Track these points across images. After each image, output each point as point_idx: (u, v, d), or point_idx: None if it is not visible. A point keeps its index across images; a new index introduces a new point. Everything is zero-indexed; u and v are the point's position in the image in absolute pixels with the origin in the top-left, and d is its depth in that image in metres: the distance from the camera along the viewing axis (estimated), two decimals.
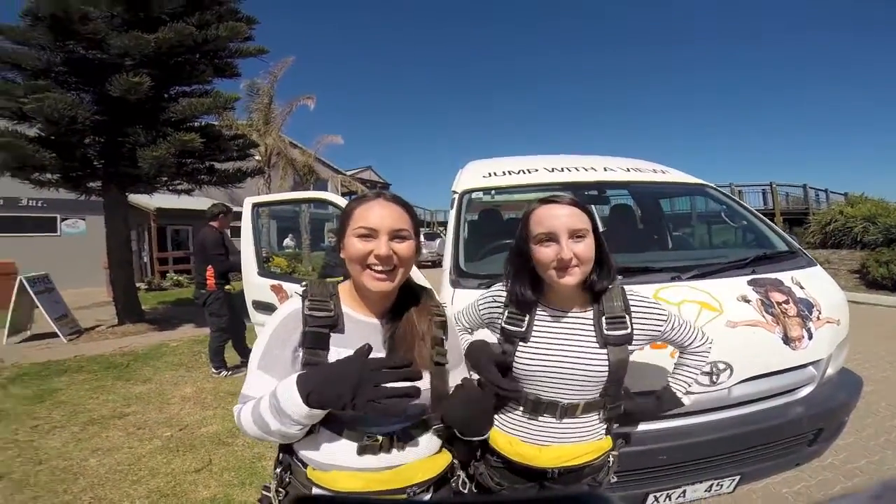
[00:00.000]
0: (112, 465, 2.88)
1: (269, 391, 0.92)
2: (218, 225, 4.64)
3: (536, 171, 2.61)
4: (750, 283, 1.88)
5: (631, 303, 1.20)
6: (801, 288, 1.92)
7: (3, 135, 6.01)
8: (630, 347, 1.19)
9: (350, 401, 0.84)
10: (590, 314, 1.19)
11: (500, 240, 2.45)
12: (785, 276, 1.96)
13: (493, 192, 2.60)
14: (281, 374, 0.96)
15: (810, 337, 1.79)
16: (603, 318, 1.17)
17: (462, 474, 1.16)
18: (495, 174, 2.61)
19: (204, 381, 4.53)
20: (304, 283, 1.06)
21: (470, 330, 1.37)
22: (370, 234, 0.96)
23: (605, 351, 1.16)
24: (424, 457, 1.02)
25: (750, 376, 1.72)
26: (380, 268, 0.96)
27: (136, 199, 10.43)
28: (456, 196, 2.47)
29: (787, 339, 1.75)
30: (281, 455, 1.05)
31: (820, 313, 1.87)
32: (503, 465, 1.26)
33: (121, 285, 7.40)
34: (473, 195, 2.54)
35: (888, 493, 0.36)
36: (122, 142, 6.56)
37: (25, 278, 6.53)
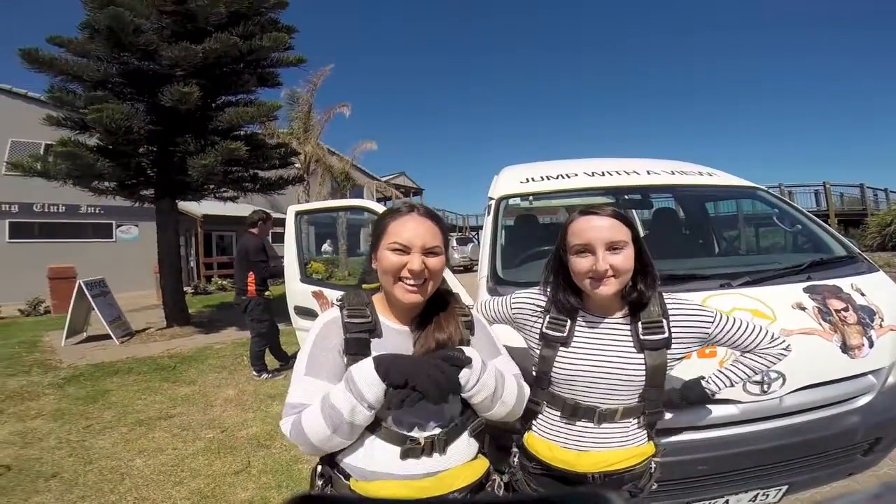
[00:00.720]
0: (157, 465, 2.98)
1: (340, 385, 0.95)
2: (258, 231, 4.75)
3: (576, 175, 2.56)
4: (806, 290, 1.80)
5: (669, 307, 1.19)
6: (862, 295, 1.83)
7: (65, 144, 6.38)
8: (671, 352, 1.17)
9: (413, 381, 0.91)
10: (627, 320, 1.19)
11: (537, 246, 2.43)
12: (844, 283, 1.86)
13: (530, 198, 2.57)
14: (329, 376, 0.99)
15: (871, 345, 1.70)
16: (640, 324, 1.17)
17: (497, 479, 1.17)
18: (532, 179, 2.59)
19: (245, 384, 4.64)
20: (341, 295, 1.11)
21: (492, 321, 1.35)
22: (404, 248, 0.99)
23: (641, 356, 1.16)
24: (463, 462, 1.04)
25: (804, 385, 1.65)
26: (412, 281, 0.99)
27: (185, 206, 10.90)
28: (493, 202, 2.45)
29: (845, 348, 1.67)
30: (321, 467, 1.07)
31: (882, 321, 1.77)
32: (542, 472, 1.26)
33: (169, 289, 7.72)
34: (511, 201, 2.52)
35: (888, 493, 0.36)
36: (172, 151, 6.88)
37: (84, 282, 6.90)
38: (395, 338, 1.05)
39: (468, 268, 16.39)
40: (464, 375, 0.97)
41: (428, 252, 1.00)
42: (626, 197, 2.67)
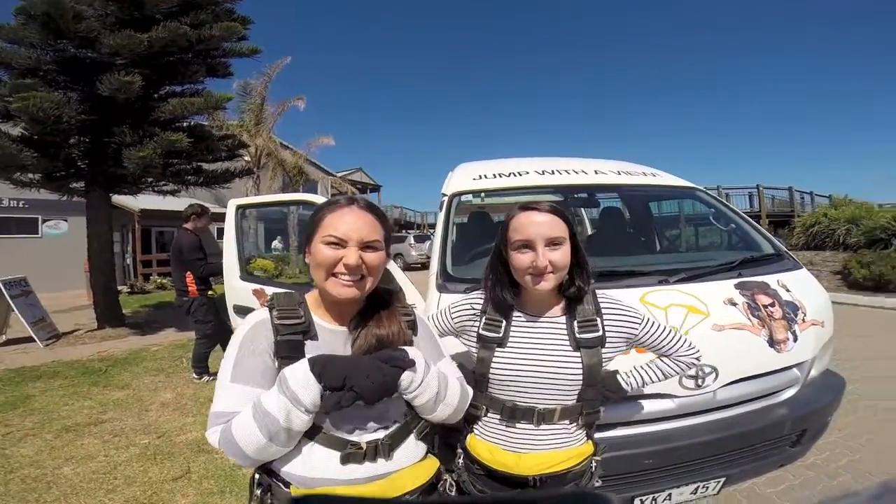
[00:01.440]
0: (87, 473, 2.81)
1: (273, 390, 0.89)
2: (192, 227, 4.46)
3: (527, 173, 2.60)
4: (737, 286, 1.89)
5: (602, 306, 1.21)
6: (787, 290, 1.94)
7: None
8: (604, 351, 1.19)
9: (350, 382, 0.87)
10: (563, 318, 1.21)
11: (489, 243, 2.42)
12: (771, 279, 1.97)
13: (482, 194, 2.58)
14: (259, 382, 0.93)
15: (795, 339, 1.80)
16: (575, 322, 1.18)
17: (449, 479, 1.15)
18: (485, 176, 2.60)
19: (184, 387, 4.44)
20: (270, 296, 1.04)
21: (441, 335, 1.33)
22: (339, 242, 0.94)
23: (578, 354, 1.17)
24: (412, 464, 1.01)
25: (735, 379, 1.73)
26: (347, 277, 0.94)
27: (120, 200, 10.26)
28: (445, 198, 2.44)
29: (772, 342, 1.76)
30: (259, 476, 1.00)
31: (805, 316, 1.88)
32: (484, 474, 1.26)
33: (101, 288, 7.25)
34: (463, 198, 2.52)
35: (888, 493, 0.36)
36: (107, 142, 6.45)
37: (2, 281, 6.38)
38: (332, 339, 0.99)
39: (426, 265, 16.33)
40: (406, 377, 0.94)
41: (366, 246, 0.95)
42: (575, 195, 2.73)
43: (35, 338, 6.37)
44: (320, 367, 0.87)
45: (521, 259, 1.13)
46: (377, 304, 1.05)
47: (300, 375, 0.87)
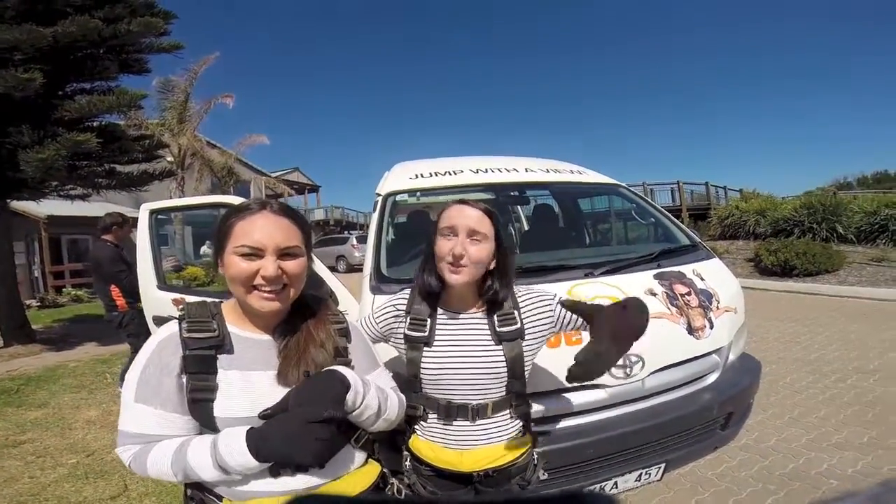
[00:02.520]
0: (13, 495, 2.64)
1: (201, 444, 0.86)
2: (113, 237, 4.16)
3: (462, 172, 2.61)
4: (656, 276, 1.98)
5: (519, 299, 1.25)
6: (702, 279, 2.06)
7: None
8: (526, 343, 1.21)
9: (292, 459, 0.84)
10: (483, 313, 1.24)
11: (425, 242, 2.41)
12: (687, 269, 2.08)
13: (417, 193, 2.56)
14: (166, 404, 0.87)
15: (711, 326, 1.91)
16: (495, 316, 1.21)
17: (396, 482, 1.13)
18: (421, 175, 2.58)
19: (110, 404, 4.13)
20: (181, 307, 0.97)
21: (373, 341, 1.31)
22: (255, 252, 0.88)
23: (500, 347, 1.20)
24: (349, 472, 0.97)
25: (661, 367, 1.81)
26: (268, 288, 0.89)
27: (23, 205, 9.28)
28: (379, 198, 2.40)
29: (691, 330, 1.86)
30: (189, 491, 0.94)
31: (719, 303, 2.00)
32: (432, 473, 1.27)
33: (4, 302, 6.61)
34: (398, 197, 2.49)
35: (888, 493, 0.36)
36: (1, 143, 5.81)
37: None
38: (254, 349, 0.93)
39: None
40: (349, 400, 0.90)
41: (284, 254, 0.89)
42: (508, 193, 2.77)
43: None
44: (255, 445, 0.83)
45: (443, 245, 1.16)
46: (304, 311, 1.00)
47: (237, 452, 0.83)
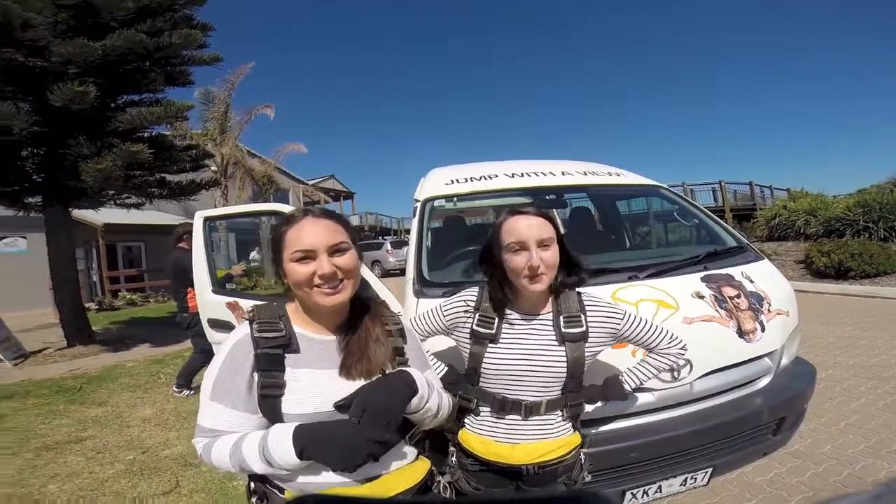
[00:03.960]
0: (74, 490, 2.76)
1: (254, 438, 0.92)
2: (187, 245, 4.45)
3: (497, 176, 2.62)
4: (703, 279, 1.94)
5: (585, 303, 1.28)
6: (751, 282, 2.00)
7: None
8: (587, 345, 1.25)
9: (341, 466, 0.90)
10: (549, 315, 1.27)
11: (463, 247, 2.44)
12: (735, 271, 2.03)
13: (455, 199, 2.59)
14: (237, 403, 0.95)
15: (763, 329, 1.85)
16: (561, 318, 1.24)
17: (442, 480, 1.18)
18: (457, 181, 2.61)
19: (164, 402, 4.35)
20: (250, 308, 1.03)
21: (427, 335, 1.38)
22: (308, 255, 0.94)
23: (563, 348, 1.23)
24: (402, 466, 1.02)
25: (710, 370, 1.77)
26: (327, 286, 0.95)
27: (82, 214, 9.89)
28: (418, 204, 2.45)
29: (741, 333, 1.81)
30: (253, 484, 1.01)
31: (770, 305, 1.94)
32: (479, 468, 1.30)
33: (67, 306, 7.00)
34: (436, 203, 2.53)
35: (888, 493, 0.36)
36: (63, 154, 6.21)
37: None
38: (318, 348, 0.99)
39: (404, 271, 16.23)
40: (414, 404, 0.97)
41: (334, 251, 0.95)
42: (544, 197, 2.76)
43: (2, 357, 6.15)
44: (301, 444, 0.88)
45: (516, 261, 1.19)
46: (363, 313, 1.06)
47: (282, 450, 0.88)
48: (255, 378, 0.95)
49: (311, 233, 0.95)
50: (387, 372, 0.99)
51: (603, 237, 3.05)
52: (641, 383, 1.42)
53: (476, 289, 1.33)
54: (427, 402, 1.00)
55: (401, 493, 0.98)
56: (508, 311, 1.27)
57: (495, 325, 1.25)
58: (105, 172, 5.81)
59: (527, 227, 1.18)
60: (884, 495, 0.32)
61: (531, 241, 1.17)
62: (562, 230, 1.26)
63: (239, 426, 0.95)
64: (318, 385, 0.95)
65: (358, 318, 1.04)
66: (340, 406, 0.92)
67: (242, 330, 0.99)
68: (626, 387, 1.41)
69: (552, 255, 1.19)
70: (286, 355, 0.96)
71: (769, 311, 1.93)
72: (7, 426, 3.88)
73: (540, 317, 1.26)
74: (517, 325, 1.26)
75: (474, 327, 1.27)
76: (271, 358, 0.95)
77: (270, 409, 0.94)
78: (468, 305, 1.31)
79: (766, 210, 13.68)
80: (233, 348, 0.97)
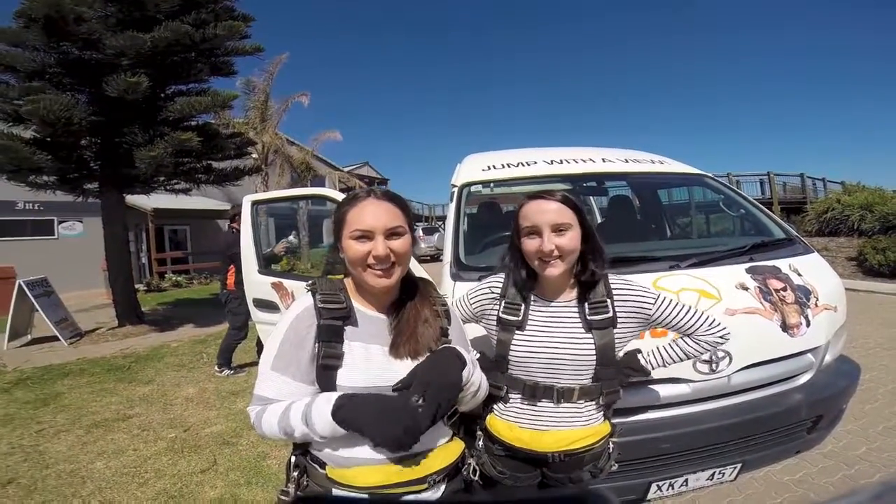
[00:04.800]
0: (118, 467, 2.90)
1: (304, 401, 0.96)
2: (238, 226, 4.65)
3: (535, 163, 2.61)
4: (748, 270, 1.89)
5: (613, 287, 1.25)
6: (799, 275, 1.93)
7: None
8: (617, 331, 1.22)
9: (366, 431, 0.91)
10: (575, 302, 1.25)
11: (499, 232, 2.46)
12: (782, 264, 1.97)
13: (491, 184, 2.60)
14: (296, 374, 0.99)
15: (808, 324, 1.80)
16: (586, 304, 1.22)
17: (472, 462, 1.20)
18: (494, 167, 2.61)
19: (206, 382, 4.54)
20: (310, 281, 1.08)
21: (464, 321, 1.38)
22: (366, 235, 0.97)
23: (590, 335, 1.21)
24: (439, 445, 1.05)
25: (749, 364, 1.73)
26: (379, 267, 0.98)
27: (134, 199, 10.39)
28: (455, 189, 2.46)
29: (785, 327, 1.76)
30: (295, 458, 1.05)
31: (817, 300, 1.88)
32: (505, 454, 1.30)
33: (120, 287, 7.39)
34: (472, 188, 2.54)
35: (888, 493, 0.36)
36: (118, 142, 6.54)
37: (24, 282, 6.51)
38: (371, 325, 1.03)
39: (435, 257, 16.36)
40: (464, 376, 1.00)
41: (391, 234, 0.99)
42: (584, 184, 2.73)
43: (59, 336, 6.50)
44: (342, 415, 0.91)
45: (529, 244, 1.19)
46: (412, 292, 1.09)
47: (323, 416, 0.92)
48: (316, 349, 0.99)
49: (372, 213, 0.98)
50: (434, 350, 1.02)
51: (643, 226, 2.99)
52: (666, 364, 1.35)
53: (502, 276, 1.32)
54: (473, 374, 1.03)
55: (435, 472, 1.01)
56: (534, 298, 1.27)
57: (521, 311, 1.25)
58: (157, 159, 6.10)
59: (540, 213, 1.18)
60: (884, 494, 0.32)
61: (544, 225, 1.16)
62: (586, 216, 1.23)
63: (295, 396, 0.98)
64: (369, 360, 0.99)
65: (408, 299, 1.07)
66: (399, 389, 0.95)
67: (305, 301, 1.03)
68: (648, 366, 1.34)
69: (569, 240, 1.16)
70: (345, 327, 1.00)
71: (816, 305, 1.86)
72: (63, 404, 4.10)
73: (565, 303, 1.25)
74: (542, 311, 1.25)
75: (501, 314, 1.27)
76: (333, 329, 0.99)
77: (327, 380, 0.98)
78: (493, 293, 1.31)
79: (817, 203, 12.95)
80: (295, 320, 1.01)
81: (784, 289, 1.86)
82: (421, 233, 18.24)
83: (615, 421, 1.37)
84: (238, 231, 4.45)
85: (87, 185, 7.30)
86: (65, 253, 12.69)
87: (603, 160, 2.64)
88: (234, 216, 4.70)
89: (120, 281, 7.38)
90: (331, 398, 0.93)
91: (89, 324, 7.57)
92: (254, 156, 13.02)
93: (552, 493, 1.28)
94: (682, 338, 1.33)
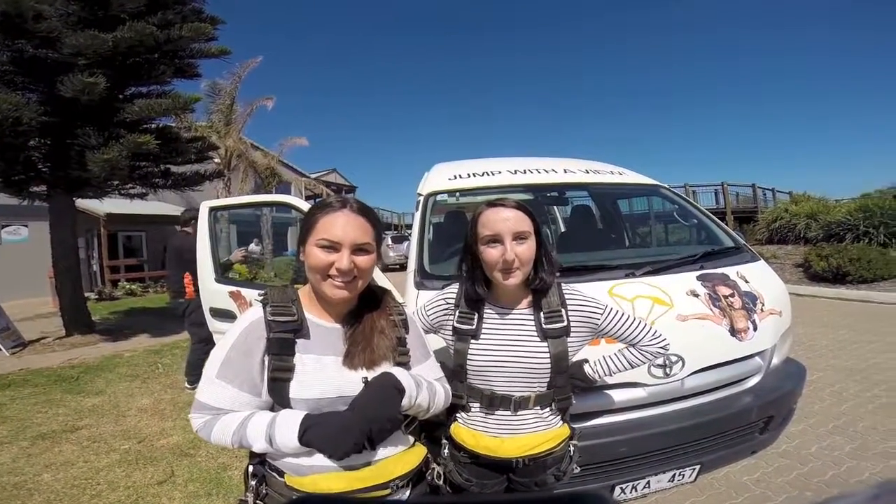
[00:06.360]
0: (68, 479, 2.78)
1: (263, 419, 0.94)
2: (192, 231, 4.36)
3: (500, 172, 2.65)
4: (699, 277, 1.97)
5: (566, 297, 1.27)
6: (746, 281, 2.03)
7: None
8: (570, 340, 1.24)
9: (331, 453, 0.93)
10: (530, 310, 1.26)
11: (464, 241, 2.47)
12: (731, 271, 2.06)
13: (457, 194, 2.62)
14: (244, 385, 0.96)
15: (755, 328, 1.89)
16: (541, 313, 1.23)
17: (437, 468, 1.19)
18: (460, 176, 2.64)
19: (161, 392, 4.37)
20: (262, 291, 1.05)
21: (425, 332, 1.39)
22: (333, 246, 0.96)
23: (545, 344, 1.22)
24: (401, 451, 1.05)
25: (701, 367, 1.80)
26: (340, 279, 0.97)
27: (85, 204, 9.93)
28: (421, 198, 2.48)
29: (733, 331, 1.84)
30: (253, 467, 1.03)
31: (763, 305, 1.98)
32: (470, 461, 1.31)
33: (67, 295, 7.03)
34: (438, 197, 2.56)
35: (887, 493, 0.36)
36: (70, 144, 6.23)
37: None
38: (325, 336, 1.02)
39: (403, 266, 16.15)
40: (404, 405, 0.99)
41: (358, 249, 0.98)
42: (546, 194, 2.79)
43: (0, 346, 6.14)
44: (308, 437, 0.91)
45: (490, 253, 1.19)
46: (370, 302, 1.08)
47: (288, 438, 0.92)
48: (266, 361, 0.97)
49: (343, 226, 0.97)
50: (369, 379, 0.99)
51: (603, 235, 3.08)
52: (611, 374, 1.39)
53: (456, 285, 1.32)
54: (416, 399, 1.01)
55: (397, 478, 1.00)
56: (487, 307, 1.27)
57: (475, 320, 1.25)
58: (111, 162, 5.85)
59: (502, 220, 1.17)
60: (882, 495, 0.34)
61: (506, 233, 1.16)
62: (540, 225, 1.25)
63: (241, 406, 0.97)
64: (322, 371, 0.98)
65: (364, 309, 1.06)
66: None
67: (256, 312, 1.01)
68: (594, 375, 1.39)
69: (528, 249, 1.17)
70: (296, 340, 0.99)
71: (762, 310, 1.96)
72: (4, 415, 3.88)
73: (520, 312, 1.26)
74: (497, 320, 1.25)
75: (455, 324, 1.27)
76: (283, 342, 0.97)
77: (279, 393, 0.96)
78: (448, 303, 1.31)
79: (767, 213, 13.66)
80: (245, 330, 0.99)
81: (732, 295, 1.95)
82: (390, 241, 18.09)
83: (574, 425, 1.39)
84: (191, 236, 4.24)
85: (34, 187, 6.92)
86: (8, 259, 11.97)
87: (565, 171, 2.71)
88: (189, 220, 4.43)
89: (68, 288, 7.01)
90: (294, 421, 0.92)
91: (34, 333, 7.15)
92: (216, 160, 12.67)
93: (551, 493, 1.28)
94: (627, 348, 1.37)
